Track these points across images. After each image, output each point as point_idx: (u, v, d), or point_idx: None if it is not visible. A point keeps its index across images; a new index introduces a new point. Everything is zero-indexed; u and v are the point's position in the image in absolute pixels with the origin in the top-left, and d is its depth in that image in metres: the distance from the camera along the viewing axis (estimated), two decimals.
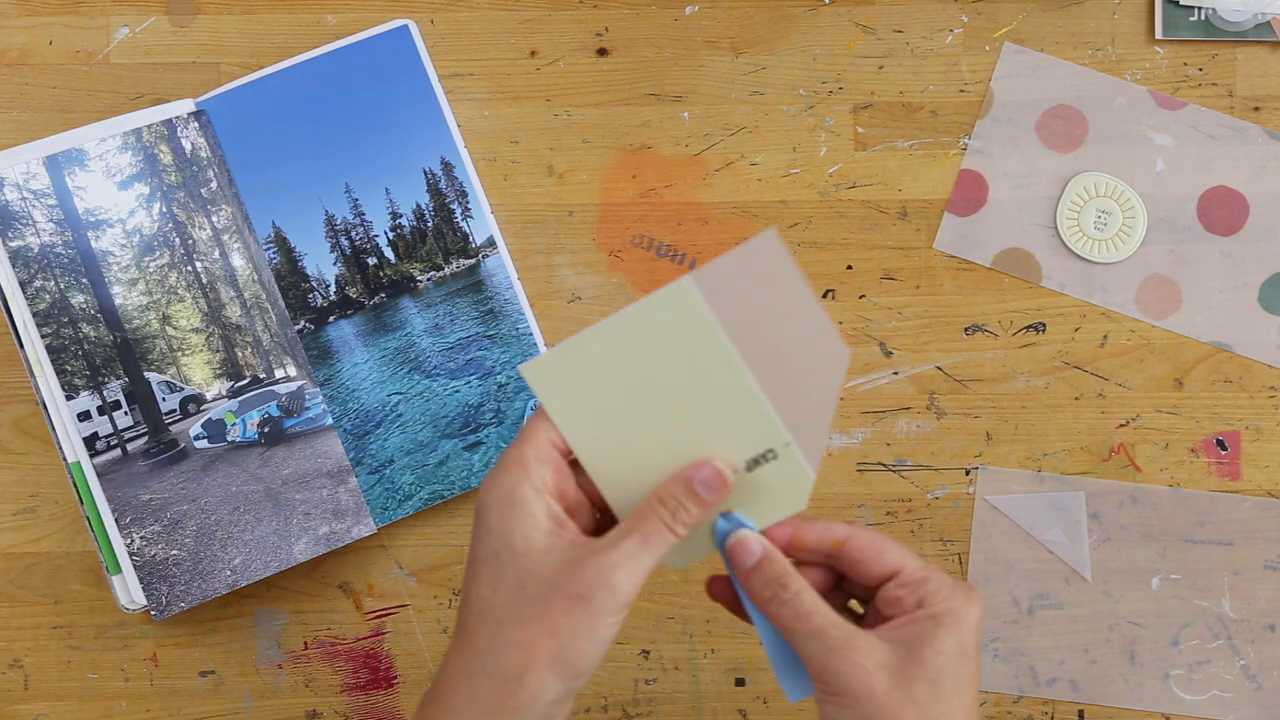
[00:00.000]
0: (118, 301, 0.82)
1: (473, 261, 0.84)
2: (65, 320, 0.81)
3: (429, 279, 0.85)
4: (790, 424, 0.59)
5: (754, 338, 0.59)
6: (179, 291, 0.83)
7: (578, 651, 0.56)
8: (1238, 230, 0.83)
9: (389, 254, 0.84)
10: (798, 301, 0.60)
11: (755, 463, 0.60)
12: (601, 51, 0.85)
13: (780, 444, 0.59)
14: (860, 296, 0.84)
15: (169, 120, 0.82)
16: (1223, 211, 0.83)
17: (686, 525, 0.58)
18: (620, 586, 0.56)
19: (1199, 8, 0.83)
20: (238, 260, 0.83)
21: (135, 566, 0.81)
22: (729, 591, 0.62)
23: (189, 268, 0.83)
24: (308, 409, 0.83)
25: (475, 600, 0.58)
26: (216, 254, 0.83)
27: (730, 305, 0.59)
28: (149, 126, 0.82)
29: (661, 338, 0.58)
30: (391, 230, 0.84)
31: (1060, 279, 0.83)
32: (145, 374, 0.82)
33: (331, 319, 0.84)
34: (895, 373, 0.84)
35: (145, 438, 0.82)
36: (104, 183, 0.82)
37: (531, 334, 0.84)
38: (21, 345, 0.81)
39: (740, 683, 0.84)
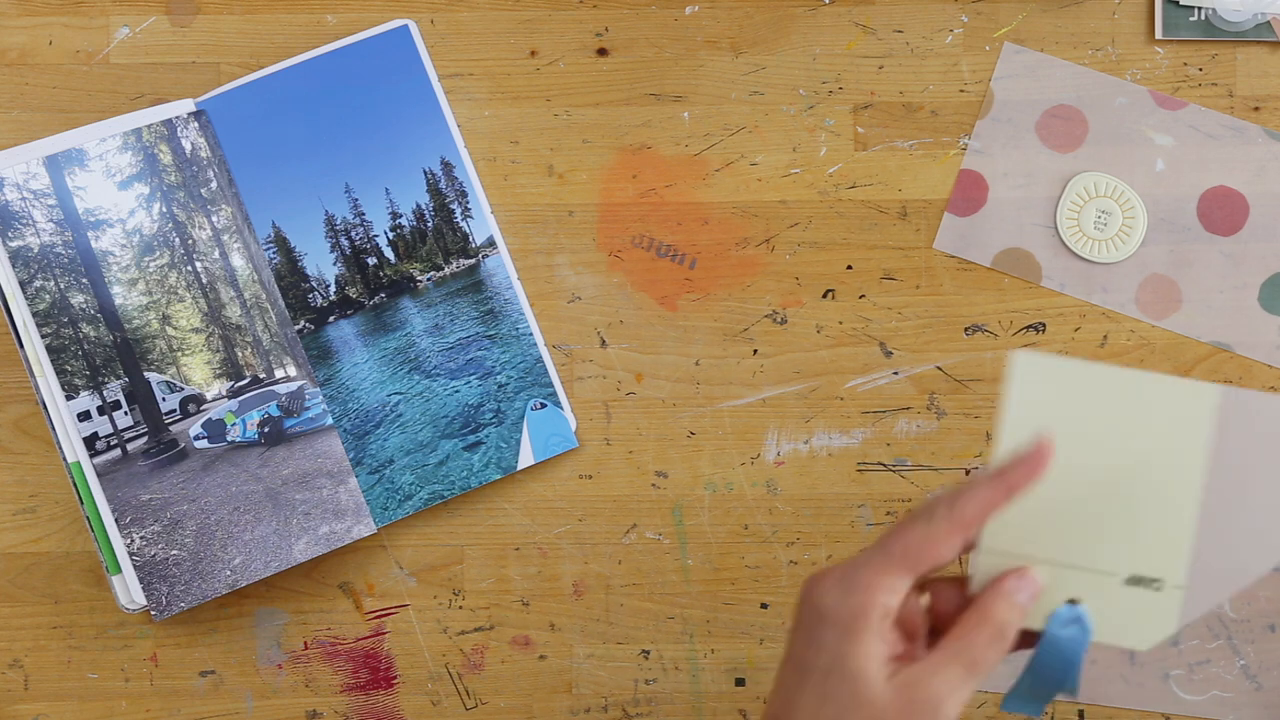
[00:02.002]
0: (118, 301, 0.82)
1: (473, 261, 0.84)
2: (65, 320, 0.81)
3: (429, 279, 0.85)
4: (1195, 572, 0.58)
5: (1226, 479, 0.58)
6: (179, 291, 0.83)
7: None
8: (1238, 230, 0.83)
9: (389, 254, 0.84)
10: None
11: (1138, 581, 0.59)
12: (601, 51, 0.85)
13: (1175, 583, 0.58)
14: (860, 296, 0.84)
15: (169, 120, 0.82)
16: (1223, 211, 0.83)
17: (1006, 648, 0.58)
18: (947, 717, 0.57)
19: (1199, 8, 0.83)
20: (238, 260, 0.83)
21: (135, 566, 0.81)
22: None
23: (189, 268, 0.83)
24: (308, 409, 0.83)
25: (800, 711, 0.58)
26: (216, 254, 0.83)
27: (1234, 436, 0.58)
28: (149, 126, 0.82)
29: (1154, 419, 0.57)
30: (391, 230, 0.84)
31: (1060, 279, 0.83)
32: (145, 374, 0.82)
33: (331, 319, 0.84)
34: (895, 373, 0.84)
35: (145, 438, 0.82)
36: (104, 183, 0.82)
37: (531, 334, 0.84)
38: (21, 345, 0.81)
39: (740, 683, 0.84)
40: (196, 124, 0.83)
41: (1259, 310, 0.83)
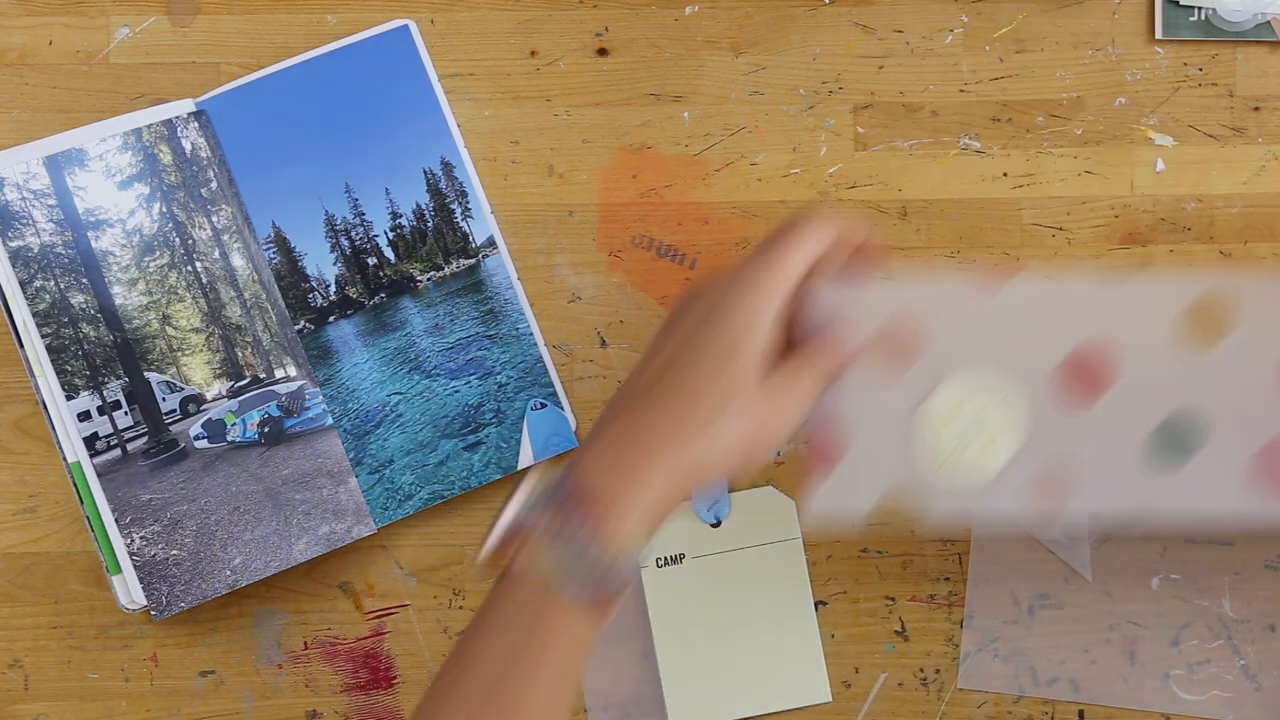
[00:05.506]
0: (118, 301, 0.82)
1: (473, 261, 0.84)
2: (65, 320, 0.81)
3: (429, 279, 0.85)
4: None
5: None
6: (179, 291, 0.83)
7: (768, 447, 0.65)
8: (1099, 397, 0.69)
9: (389, 254, 0.85)
10: None
11: None
12: (601, 51, 0.85)
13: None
14: None
15: (169, 120, 0.82)
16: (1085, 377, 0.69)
17: (849, 360, 0.69)
18: (802, 414, 0.66)
19: (1199, 8, 0.83)
20: (238, 260, 0.83)
21: (135, 566, 0.81)
22: None
23: (189, 268, 0.83)
24: (308, 409, 0.83)
25: (681, 391, 0.64)
26: (216, 254, 0.83)
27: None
28: (149, 126, 0.82)
29: None
30: (391, 230, 0.84)
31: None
32: (145, 374, 0.82)
33: (331, 319, 0.84)
34: None
35: (145, 438, 0.82)
36: (104, 183, 0.82)
37: (532, 334, 0.84)
38: (21, 345, 0.81)
39: None
40: (196, 124, 0.83)
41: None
